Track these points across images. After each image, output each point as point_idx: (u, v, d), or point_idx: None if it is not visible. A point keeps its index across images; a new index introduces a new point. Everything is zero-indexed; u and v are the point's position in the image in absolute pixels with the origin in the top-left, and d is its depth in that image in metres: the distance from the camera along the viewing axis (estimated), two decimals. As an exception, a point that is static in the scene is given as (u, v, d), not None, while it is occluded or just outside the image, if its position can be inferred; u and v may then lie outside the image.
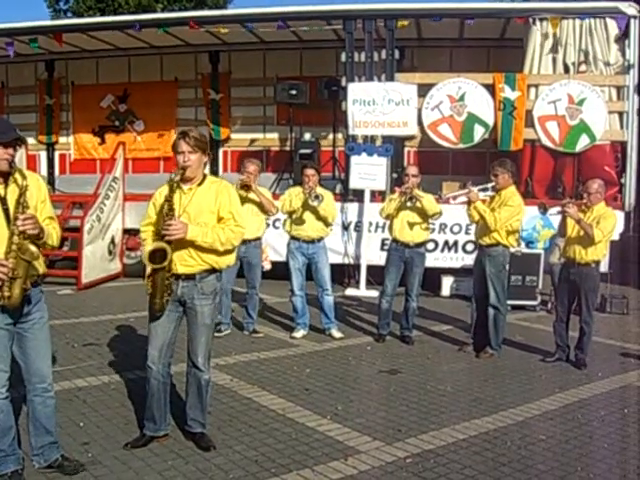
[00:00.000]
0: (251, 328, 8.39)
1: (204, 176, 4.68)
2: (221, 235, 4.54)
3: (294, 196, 7.99)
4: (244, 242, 7.94)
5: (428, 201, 7.80)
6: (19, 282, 3.84)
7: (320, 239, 8.12)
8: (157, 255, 4.38)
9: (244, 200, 7.92)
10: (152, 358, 4.71)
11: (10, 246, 3.83)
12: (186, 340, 4.82)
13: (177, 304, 4.65)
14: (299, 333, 8.20)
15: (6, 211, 3.91)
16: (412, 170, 7.97)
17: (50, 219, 4.18)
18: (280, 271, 11.29)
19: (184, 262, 4.54)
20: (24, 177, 3.96)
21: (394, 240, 8.01)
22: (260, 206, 8.00)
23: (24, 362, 4.18)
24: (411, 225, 7.85)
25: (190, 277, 4.59)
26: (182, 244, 4.47)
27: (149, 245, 4.53)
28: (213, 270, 4.67)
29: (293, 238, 8.14)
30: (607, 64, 11.15)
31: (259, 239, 8.23)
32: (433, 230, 11.07)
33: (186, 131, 4.61)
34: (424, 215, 7.84)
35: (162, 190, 4.69)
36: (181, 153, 4.53)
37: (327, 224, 8.10)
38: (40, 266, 4.12)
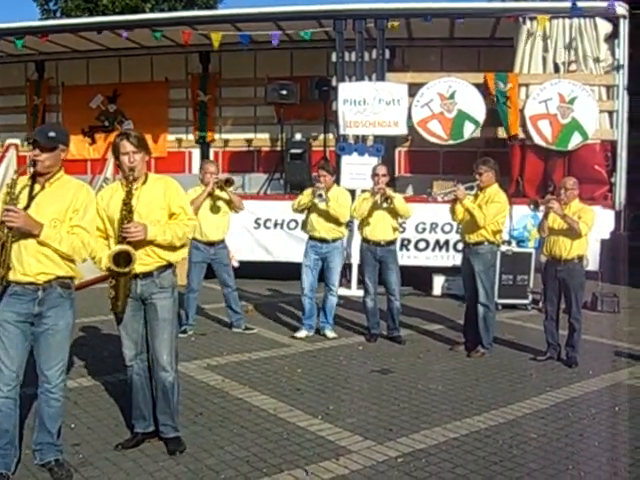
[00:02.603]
0: (242, 325, 8.39)
1: (146, 174, 4.67)
2: (177, 231, 4.54)
3: (305, 195, 8.06)
4: (212, 244, 7.99)
5: (400, 202, 7.85)
6: None
7: (335, 239, 8.10)
8: (121, 258, 4.34)
9: (215, 198, 7.95)
10: (129, 357, 4.73)
11: None
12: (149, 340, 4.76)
13: (139, 302, 4.64)
14: (302, 333, 8.13)
15: (25, 209, 4.01)
16: (381, 170, 7.97)
17: (78, 227, 4.16)
18: (270, 271, 11.36)
19: (141, 261, 4.51)
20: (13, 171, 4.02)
21: (365, 240, 8.05)
22: (230, 203, 8.02)
23: (36, 360, 4.23)
24: (381, 224, 7.90)
25: (148, 274, 4.58)
26: (139, 244, 4.45)
27: (106, 249, 4.52)
28: (169, 265, 4.67)
29: (310, 237, 8.16)
30: (597, 63, 11.20)
31: (224, 240, 8.24)
32: (424, 230, 11.15)
33: (126, 132, 4.63)
34: (394, 214, 7.89)
35: (103, 194, 4.71)
36: (126, 154, 4.50)
37: (339, 224, 8.05)
38: (58, 267, 4.13)
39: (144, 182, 4.62)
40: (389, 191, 7.84)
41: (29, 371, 4.27)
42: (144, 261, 4.52)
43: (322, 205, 7.80)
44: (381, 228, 7.91)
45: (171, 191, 4.64)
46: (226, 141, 14.77)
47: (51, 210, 4.08)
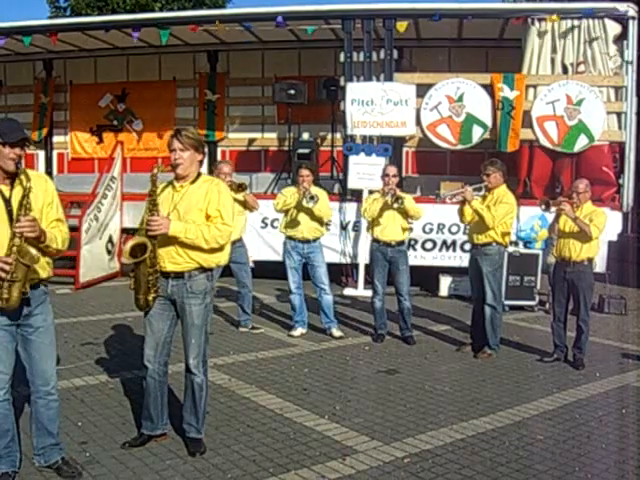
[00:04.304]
0: (249, 325, 8.45)
1: (198, 174, 4.65)
2: (205, 232, 4.46)
3: (288, 196, 7.98)
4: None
5: (410, 202, 7.86)
6: (18, 285, 3.79)
7: (316, 239, 8.13)
8: (138, 249, 4.37)
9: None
10: (148, 357, 4.69)
11: (11, 248, 3.80)
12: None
13: (169, 303, 4.63)
14: (297, 331, 8.21)
15: (9, 212, 3.90)
16: (391, 170, 7.99)
17: (57, 221, 4.14)
18: (277, 270, 11.34)
19: (172, 260, 4.51)
20: (28, 179, 3.91)
21: (375, 240, 8.06)
22: (244, 204, 8.00)
23: (28, 364, 4.18)
24: (392, 225, 7.91)
25: (179, 275, 4.55)
26: (169, 241, 4.45)
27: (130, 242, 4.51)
28: (202, 269, 4.60)
29: (289, 238, 8.15)
30: (605, 64, 11.16)
31: (241, 239, 8.25)
32: (431, 230, 11.14)
33: (180, 129, 4.60)
34: (404, 214, 7.89)
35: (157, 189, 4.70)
36: (173, 151, 4.53)
37: (322, 224, 8.11)
38: (43, 270, 4.10)
39: (193, 182, 4.61)
40: (399, 192, 7.85)
41: (17, 372, 4.22)
42: (175, 260, 4.52)
43: (311, 205, 7.77)
44: (391, 228, 7.91)
45: (212, 194, 4.57)
46: (233, 140, 14.77)
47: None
